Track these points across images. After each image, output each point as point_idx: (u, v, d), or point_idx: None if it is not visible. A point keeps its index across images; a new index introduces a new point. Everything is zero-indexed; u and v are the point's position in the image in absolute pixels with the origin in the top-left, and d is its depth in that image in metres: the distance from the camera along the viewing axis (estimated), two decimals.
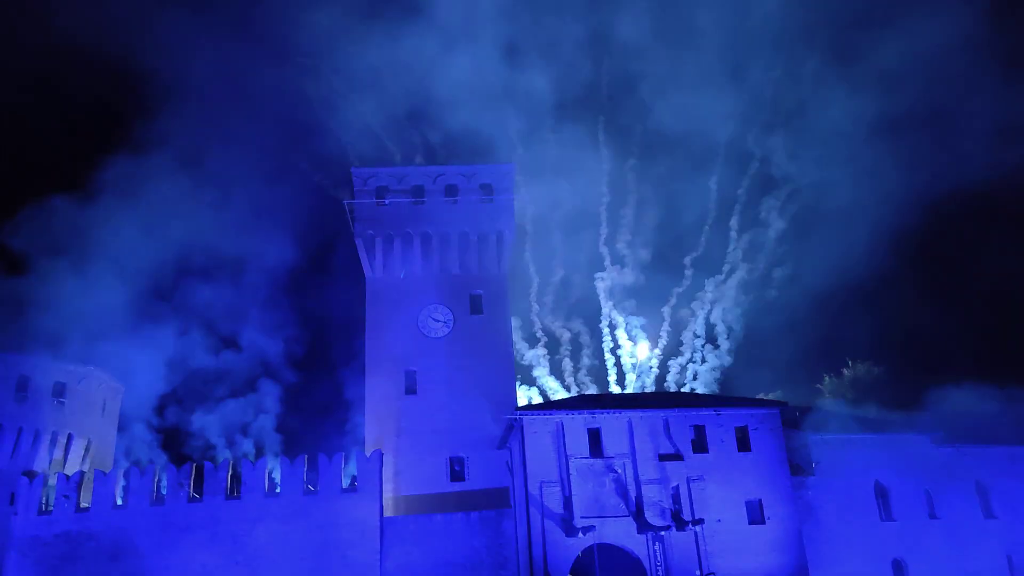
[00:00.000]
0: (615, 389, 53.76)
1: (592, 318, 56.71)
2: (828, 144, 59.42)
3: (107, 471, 39.13)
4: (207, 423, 49.22)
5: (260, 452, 45.92)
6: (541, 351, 53.73)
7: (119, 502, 36.70)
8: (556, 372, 54.39)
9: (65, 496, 36.26)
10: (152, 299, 52.05)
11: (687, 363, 54.68)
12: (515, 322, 52.08)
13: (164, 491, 36.77)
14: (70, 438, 41.96)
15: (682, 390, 52.56)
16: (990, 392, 43.71)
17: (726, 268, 58.09)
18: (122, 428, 47.11)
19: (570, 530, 34.14)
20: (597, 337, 55.87)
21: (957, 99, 69.60)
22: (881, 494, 39.10)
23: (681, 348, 55.29)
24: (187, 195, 55.48)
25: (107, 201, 51.18)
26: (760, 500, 35.95)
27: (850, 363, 62.83)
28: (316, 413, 55.59)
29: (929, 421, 41.34)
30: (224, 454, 47.04)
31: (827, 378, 63.41)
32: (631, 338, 54.50)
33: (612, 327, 55.37)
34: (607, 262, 56.98)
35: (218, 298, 55.88)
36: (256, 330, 54.71)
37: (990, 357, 65.05)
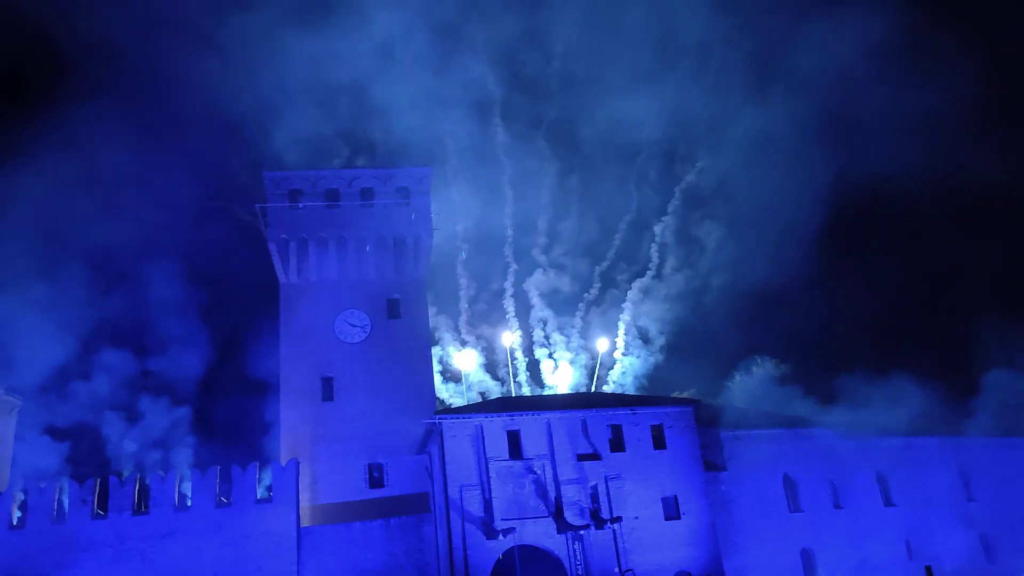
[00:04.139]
0: (542, 390, 54.13)
1: (521, 323, 56.91)
2: (745, 150, 61.46)
3: (2, 490, 37.04)
4: (113, 435, 47.10)
5: (169, 464, 44.22)
6: (468, 355, 53.50)
7: (15, 522, 34.81)
8: (480, 377, 54.31)
9: None
10: (50, 302, 49.44)
11: (612, 365, 55.59)
12: (444, 324, 52.10)
13: (66, 509, 35.07)
14: None
15: (605, 390, 53.29)
16: (889, 384, 45.86)
17: (650, 272, 59.32)
18: (19, 442, 44.57)
19: (491, 533, 34.18)
20: (527, 341, 56.12)
21: (861, 102, 72.79)
22: (790, 486, 40.66)
23: (609, 352, 56.08)
24: (84, 187, 52.67)
25: None
26: (676, 496, 36.82)
27: (759, 360, 64.95)
28: (229, 422, 53.93)
29: (834, 414, 43.16)
30: (131, 467, 45.11)
31: (737, 376, 65.39)
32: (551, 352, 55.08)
33: (545, 333, 55.82)
34: (541, 269, 57.43)
35: (121, 301, 53.55)
36: (164, 334, 52.69)
37: (890, 350, 68.44)
